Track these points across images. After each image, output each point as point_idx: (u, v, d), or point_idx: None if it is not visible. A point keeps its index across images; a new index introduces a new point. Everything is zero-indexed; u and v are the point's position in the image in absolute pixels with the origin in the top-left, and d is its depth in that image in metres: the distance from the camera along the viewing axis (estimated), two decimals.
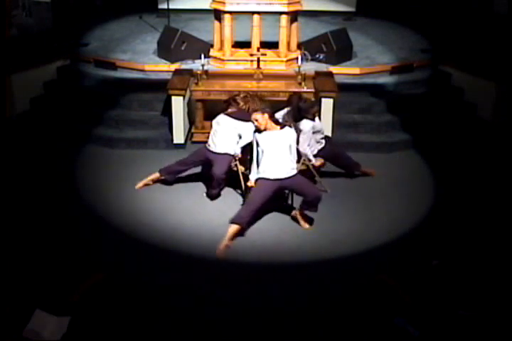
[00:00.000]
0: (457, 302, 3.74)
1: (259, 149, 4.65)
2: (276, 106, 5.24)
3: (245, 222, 4.56)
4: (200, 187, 5.25)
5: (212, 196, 5.06)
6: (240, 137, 4.98)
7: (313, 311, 3.89)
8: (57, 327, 3.54)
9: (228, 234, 4.51)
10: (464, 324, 3.58)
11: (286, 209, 4.92)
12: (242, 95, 5.13)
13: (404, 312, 3.73)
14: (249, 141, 4.94)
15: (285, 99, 5.69)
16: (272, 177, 4.58)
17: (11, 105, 6.32)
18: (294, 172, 4.63)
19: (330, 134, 5.76)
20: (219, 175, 4.91)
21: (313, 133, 5.05)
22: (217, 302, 3.98)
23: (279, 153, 4.58)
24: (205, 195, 5.13)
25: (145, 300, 3.97)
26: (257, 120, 4.62)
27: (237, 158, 5.03)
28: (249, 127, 4.94)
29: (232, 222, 4.54)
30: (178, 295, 4.05)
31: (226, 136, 5.00)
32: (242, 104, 5.06)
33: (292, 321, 3.82)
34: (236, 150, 5.00)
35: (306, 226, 4.75)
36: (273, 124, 4.64)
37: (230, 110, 5.10)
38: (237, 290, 4.11)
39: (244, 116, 4.98)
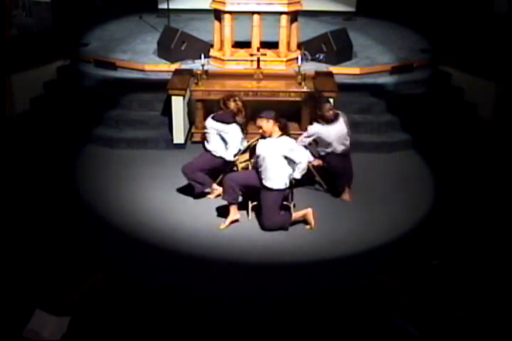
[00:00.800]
0: (457, 303, 3.74)
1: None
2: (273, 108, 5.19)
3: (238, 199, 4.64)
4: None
5: (196, 194, 5.01)
6: (224, 140, 4.91)
7: (314, 311, 3.89)
8: (57, 327, 3.53)
9: (233, 213, 4.66)
10: (464, 324, 3.58)
11: (286, 210, 4.87)
12: (233, 99, 4.98)
13: (404, 312, 3.72)
14: (235, 143, 4.88)
15: (284, 99, 5.71)
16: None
17: (11, 105, 6.32)
18: (274, 186, 4.52)
19: None
20: (183, 170, 4.90)
21: (320, 138, 4.90)
22: (217, 302, 3.98)
23: (269, 162, 4.51)
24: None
25: (145, 300, 3.96)
26: (261, 127, 4.53)
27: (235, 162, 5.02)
28: (231, 129, 4.87)
29: (229, 202, 4.63)
30: (178, 295, 4.04)
31: (211, 138, 4.97)
32: (231, 108, 4.97)
33: (292, 321, 3.82)
34: (227, 156, 4.95)
35: (307, 226, 4.75)
36: (277, 130, 4.52)
37: (219, 112, 5.05)
38: (237, 290, 4.11)
39: (226, 119, 4.91)
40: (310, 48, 6.50)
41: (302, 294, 4.06)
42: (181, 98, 5.77)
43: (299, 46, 6.51)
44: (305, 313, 3.88)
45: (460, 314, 3.64)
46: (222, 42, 6.40)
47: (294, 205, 4.83)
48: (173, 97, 5.75)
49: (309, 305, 3.95)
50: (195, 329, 3.76)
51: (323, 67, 6.34)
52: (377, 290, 4.04)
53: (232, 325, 3.80)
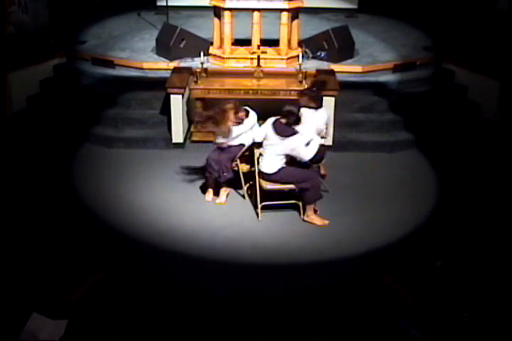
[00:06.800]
0: (461, 304, 3.72)
1: None
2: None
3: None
4: (200, 188, 5.19)
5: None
6: None
7: (315, 312, 3.86)
8: (54, 330, 3.52)
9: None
10: (468, 326, 3.56)
11: (288, 211, 4.89)
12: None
13: (407, 314, 3.71)
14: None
15: (285, 97, 5.62)
16: None
17: (10, 105, 6.24)
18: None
19: (331, 133, 5.69)
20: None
21: None
22: (217, 303, 3.97)
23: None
24: None
25: (144, 301, 3.95)
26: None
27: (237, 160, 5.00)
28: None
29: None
30: (177, 297, 4.03)
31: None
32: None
33: (294, 322, 3.81)
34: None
35: (325, 222, 4.74)
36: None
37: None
38: (237, 290, 4.10)
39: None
40: (311, 46, 6.46)
41: (304, 295, 4.04)
42: (180, 96, 5.73)
43: (300, 44, 6.46)
44: (307, 314, 3.86)
45: (463, 316, 3.62)
46: (221, 39, 6.35)
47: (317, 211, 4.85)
48: (172, 96, 5.71)
49: (311, 306, 3.92)
50: (195, 330, 3.74)
51: (324, 65, 6.29)
52: (379, 291, 4.00)
53: (232, 325, 3.79)
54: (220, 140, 4.90)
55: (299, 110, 4.65)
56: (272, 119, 4.68)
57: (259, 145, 4.76)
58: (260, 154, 4.75)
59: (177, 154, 5.71)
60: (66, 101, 6.28)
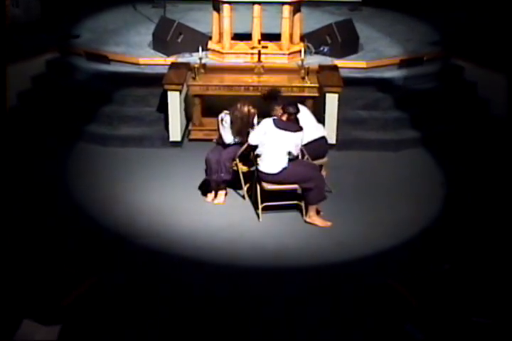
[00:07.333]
0: (470, 309, 3.62)
1: None
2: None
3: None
4: (198, 188, 5.12)
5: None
6: None
7: (316, 314, 3.81)
8: (46, 337, 3.43)
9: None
10: (478, 331, 3.47)
11: (289, 212, 4.81)
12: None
13: (411, 317, 3.63)
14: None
15: (287, 94, 5.50)
16: None
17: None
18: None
19: (335, 131, 5.64)
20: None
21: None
22: (218, 305, 3.92)
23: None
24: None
25: (143, 302, 3.90)
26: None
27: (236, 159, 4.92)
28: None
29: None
30: (177, 297, 3.98)
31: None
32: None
33: (296, 325, 3.76)
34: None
35: (328, 223, 4.68)
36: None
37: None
38: (237, 291, 4.05)
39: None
40: (314, 40, 6.37)
41: (304, 296, 4.00)
42: (178, 93, 5.65)
43: (302, 38, 6.39)
44: (307, 315, 3.80)
45: (473, 321, 3.53)
46: (221, 34, 6.27)
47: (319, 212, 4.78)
48: (169, 92, 5.65)
49: (311, 308, 3.87)
50: (193, 333, 3.69)
51: (327, 61, 6.21)
52: (384, 295, 3.93)
53: (232, 328, 3.73)
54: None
55: (297, 108, 4.68)
56: (268, 120, 4.66)
57: (254, 146, 4.73)
58: (258, 155, 4.68)
59: (174, 153, 5.65)
60: (59, 98, 6.20)
